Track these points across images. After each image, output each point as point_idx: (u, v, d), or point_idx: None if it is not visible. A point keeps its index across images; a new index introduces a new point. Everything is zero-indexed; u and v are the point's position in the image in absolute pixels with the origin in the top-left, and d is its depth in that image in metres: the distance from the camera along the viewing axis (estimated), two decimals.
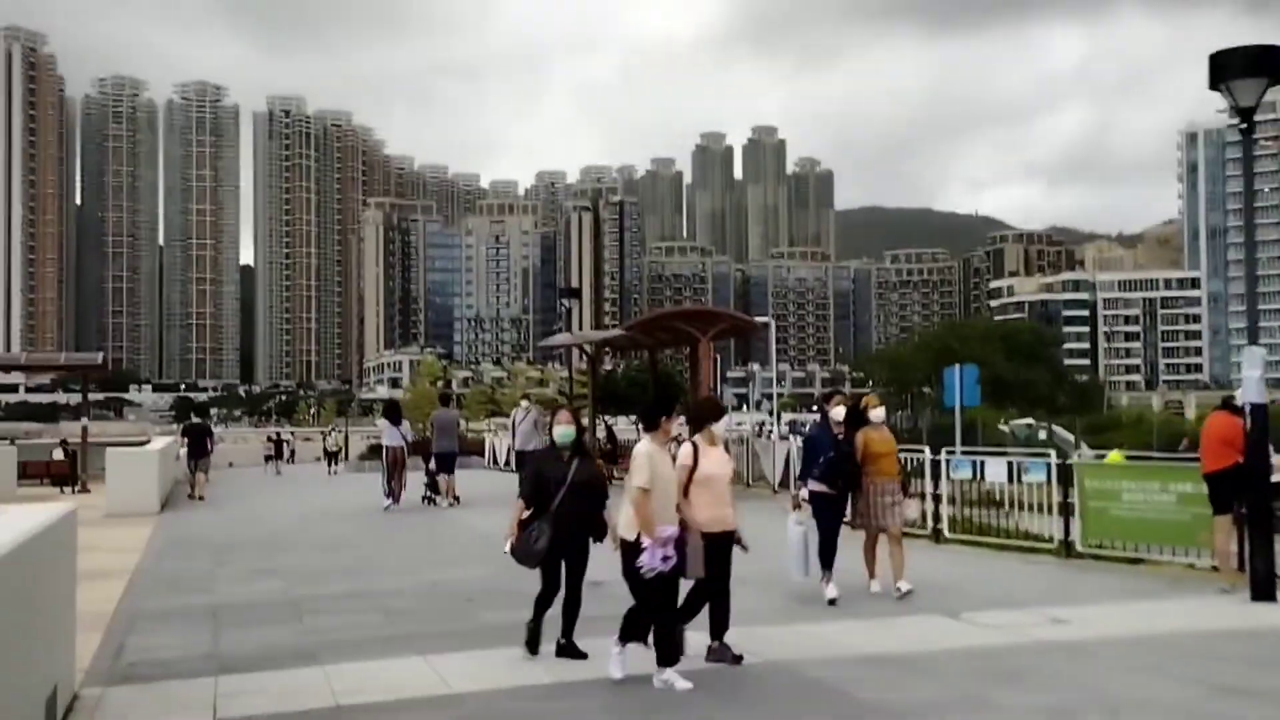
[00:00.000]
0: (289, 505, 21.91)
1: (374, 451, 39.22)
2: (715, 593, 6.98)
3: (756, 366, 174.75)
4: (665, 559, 6.35)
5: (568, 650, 7.05)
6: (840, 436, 9.20)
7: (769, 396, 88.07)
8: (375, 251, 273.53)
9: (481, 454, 41.26)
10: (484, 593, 9.78)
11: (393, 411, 20.74)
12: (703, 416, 7.30)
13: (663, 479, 6.54)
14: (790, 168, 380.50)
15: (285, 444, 47.50)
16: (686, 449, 6.99)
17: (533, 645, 7.12)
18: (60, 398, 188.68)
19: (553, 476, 7.07)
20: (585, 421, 26.50)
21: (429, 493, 19.32)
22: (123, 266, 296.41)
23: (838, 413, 9.26)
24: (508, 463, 32.29)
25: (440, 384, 52.43)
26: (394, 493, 18.65)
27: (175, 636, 8.31)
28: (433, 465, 19.55)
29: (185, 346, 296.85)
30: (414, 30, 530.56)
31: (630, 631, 6.59)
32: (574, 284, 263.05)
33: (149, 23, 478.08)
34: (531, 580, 10.67)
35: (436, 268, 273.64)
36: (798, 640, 7.62)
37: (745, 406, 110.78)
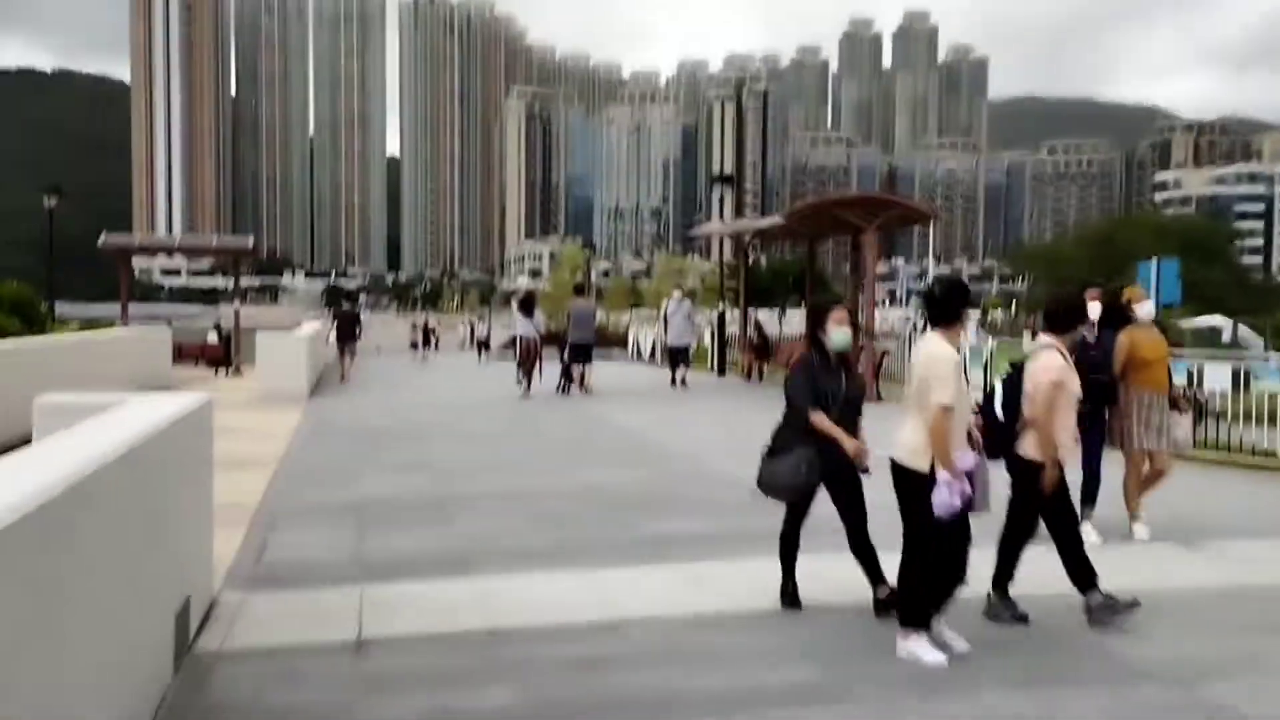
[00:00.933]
0: (435, 393, 21.67)
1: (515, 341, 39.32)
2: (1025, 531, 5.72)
3: (901, 261, 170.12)
4: (963, 495, 4.97)
5: (885, 605, 5.51)
6: (1092, 339, 7.48)
7: (917, 294, 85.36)
8: (517, 141, 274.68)
9: (624, 346, 40.73)
10: (642, 499, 9.03)
11: (526, 302, 20.79)
12: (1069, 316, 5.77)
13: (963, 394, 5.12)
14: (942, 55, 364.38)
15: (432, 332, 47.82)
16: (1054, 359, 5.56)
17: (794, 600, 5.80)
18: (219, 282, 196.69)
19: (828, 389, 5.58)
20: (735, 316, 25.56)
21: (563, 382, 19.46)
22: (275, 156, 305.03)
23: (1093, 309, 7.51)
24: (652, 355, 31.65)
25: (580, 274, 51.89)
26: (527, 382, 18.81)
27: (320, 535, 7.78)
28: (567, 355, 19.67)
29: (335, 235, 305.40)
30: None
31: (913, 603, 5.09)
32: (716, 174, 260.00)
33: None
34: (690, 485, 9.61)
35: (577, 158, 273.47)
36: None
37: (889, 303, 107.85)
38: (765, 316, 29.79)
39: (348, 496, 9.20)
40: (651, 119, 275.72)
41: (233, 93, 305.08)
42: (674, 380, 19.81)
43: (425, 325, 47.47)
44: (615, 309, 54.95)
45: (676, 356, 20.21)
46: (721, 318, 24.30)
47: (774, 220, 22.05)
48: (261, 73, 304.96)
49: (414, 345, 44.92)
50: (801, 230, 20.89)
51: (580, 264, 54.37)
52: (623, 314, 55.55)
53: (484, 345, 39.52)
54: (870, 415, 5.86)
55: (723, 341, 24.15)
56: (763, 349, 22.26)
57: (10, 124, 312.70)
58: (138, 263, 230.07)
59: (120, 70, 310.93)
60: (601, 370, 27.21)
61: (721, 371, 23.68)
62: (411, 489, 9.59)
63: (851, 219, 17.02)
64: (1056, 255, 73.18)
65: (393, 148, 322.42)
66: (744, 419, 15.61)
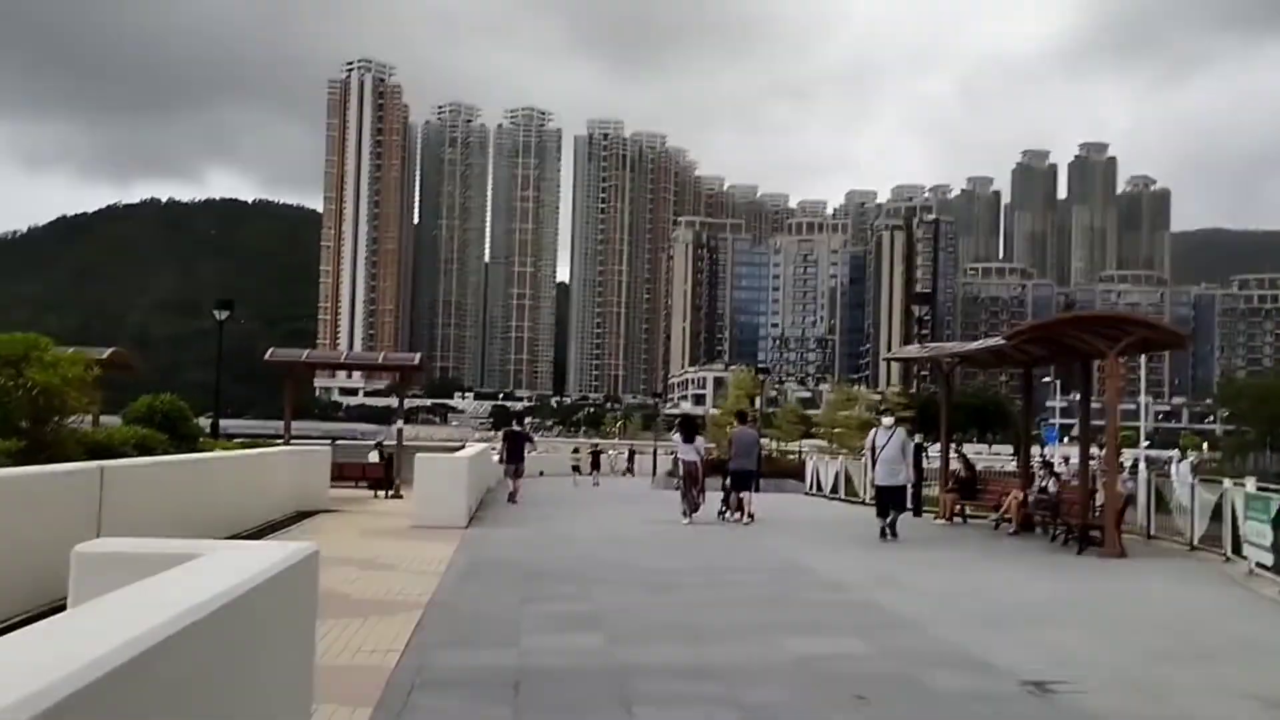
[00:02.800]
0: (600, 524, 19.95)
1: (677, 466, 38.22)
2: None
3: (1074, 396, 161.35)
4: None
5: None
6: None
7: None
8: (684, 269, 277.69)
9: (798, 477, 38.39)
10: (875, 684, 6.90)
11: (688, 427, 21.10)
12: None
13: None
14: (1121, 187, 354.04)
15: (601, 455, 46.83)
16: None
17: None
18: (394, 402, 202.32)
19: None
20: (923, 442, 23.16)
21: (724, 509, 19.65)
22: (452, 281, 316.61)
23: None
24: (834, 490, 29.27)
25: (753, 399, 50.03)
26: (691, 507, 19.11)
27: None
28: (729, 482, 19.93)
29: (504, 358, 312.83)
30: (752, 53, 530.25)
31: None
32: (883, 306, 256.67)
33: (492, 49, 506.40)
34: (937, 670, 7.51)
35: (743, 285, 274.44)
36: None
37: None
38: (970, 451, 27.17)
39: (502, 661, 7.38)
40: (819, 248, 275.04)
41: (415, 220, 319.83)
42: (884, 531, 16.47)
43: (595, 450, 46.63)
44: (786, 437, 52.64)
45: (887, 499, 16.81)
46: (919, 450, 21.85)
47: (989, 343, 19.75)
48: (443, 202, 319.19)
49: (576, 469, 44.25)
50: (1015, 355, 18.52)
51: (753, 388, 52.43)
52: (793, 443, 53.20)
53: (629, 469, 39.75)
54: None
55: (920, 477, 21.65)
56: (969, 486, 19.77)
57: (214, 250, 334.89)
58: (318, 382, 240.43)
59: (314, 200, 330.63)
60: (778, 504, 25.17)
61: (918, 512, 21.16)
62: (579, 655, 7.71)
63: (1087, 342, 14.68)
64: (1270, 391, 67.39)
65: (562, 274, 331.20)
66: (966, 573, 13.24)
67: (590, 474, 42.67)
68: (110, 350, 22.15)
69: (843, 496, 28.14)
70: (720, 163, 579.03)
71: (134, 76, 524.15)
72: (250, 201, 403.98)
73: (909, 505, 19.22)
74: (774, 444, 48.22)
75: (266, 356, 22.32)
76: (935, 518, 20.61)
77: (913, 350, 27.62)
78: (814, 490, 31.41)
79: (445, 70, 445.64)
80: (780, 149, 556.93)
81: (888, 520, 16.56)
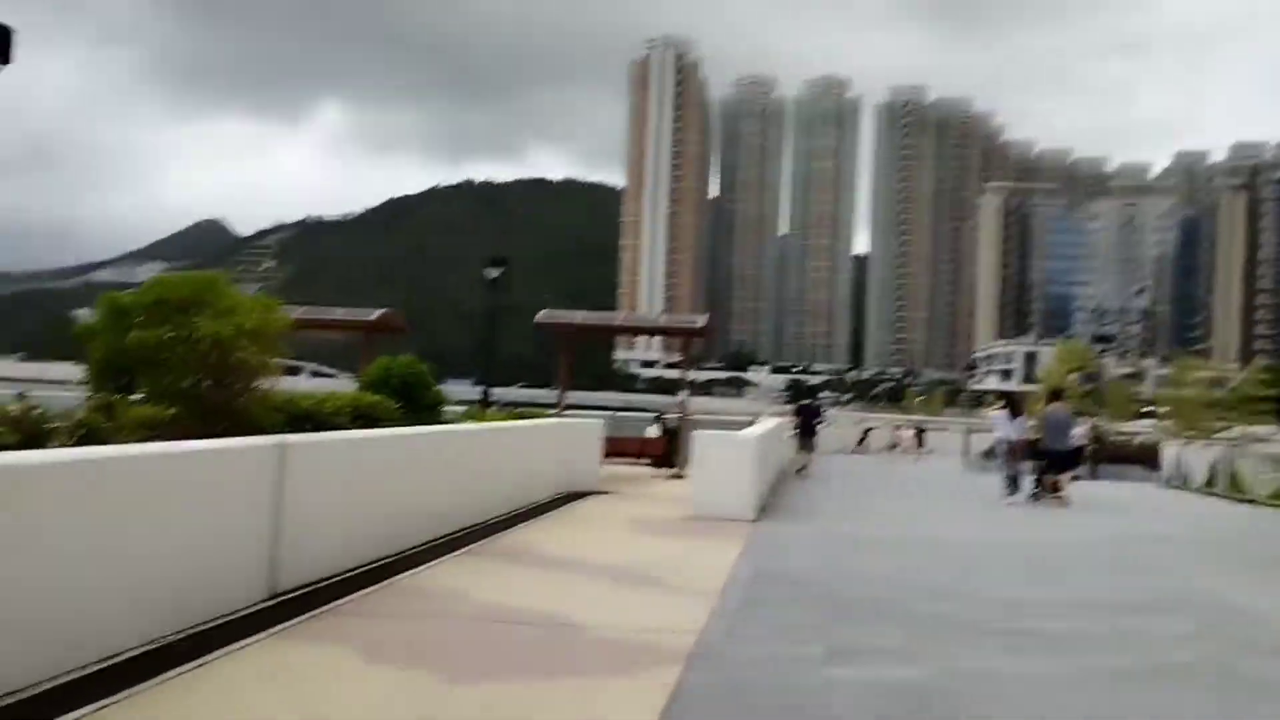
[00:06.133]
0: (915, 518, 16.48)
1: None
2: None
3: None
4: None
5: None
6: None
7: None
8: (991, 238, 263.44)
9: (1138, 461, 33.03)
10: None
11: (1012, 404, 20.86)
12: None
13: None
14: None
15: (923, 433, 43.50)
16: None
17: None
18: (692, 375, 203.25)
19: None
20: None
21: (1038, 490, 19.46)
22: (747, 256, 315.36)
23: None
24: (1210, 484, 24.24)
25: (1078, 374, 44.29)
26: (1013, 488, 19.24)
27: None
28: (1043, 464, 19.68)
29: (800, 331, 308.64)
30: (1081, 10, 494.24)
31: None
32: (1220, 273, 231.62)
33: (791, 21, 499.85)
34: None
35: (1055, 254, 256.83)
36: None
37: None
38: None
39: None
40: (1143, 213, 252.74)
41: (713, 195, 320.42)
42: None
43: (918, 428, 43.75)
44: (1119, 417, 46.34)
45: None
46: None
47: None
48: (740, 176, 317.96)
49: (893, 446, 42.11)
50: None
51: (1081, 362, 46.48)
52: (1124, 424, 46.79)
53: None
54: None
55: None
56: None
57: (525, 228, 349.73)
58: (617, 354, 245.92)
59: (616, 177, 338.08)
60: (1129, 499, 21.29)
61: None
62: None
63: None
64: None
65: (860, 246, 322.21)
66: None
67: (905, 450, 40.72)
68: (380, 312, 20.83)
69: (1221, 492, 23.10)
70: (1031, 126, 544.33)
71: (470, 65, 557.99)
72: (557, 180, 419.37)
73: None
74: (1098, 426, 42.38)
75: (537, 319, 20.41)
76: None
77: None
78: (1168, 484, 26.31)
79: (743, 44, 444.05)
80: (1100, 110, 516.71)
81: None
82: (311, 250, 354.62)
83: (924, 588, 9.53)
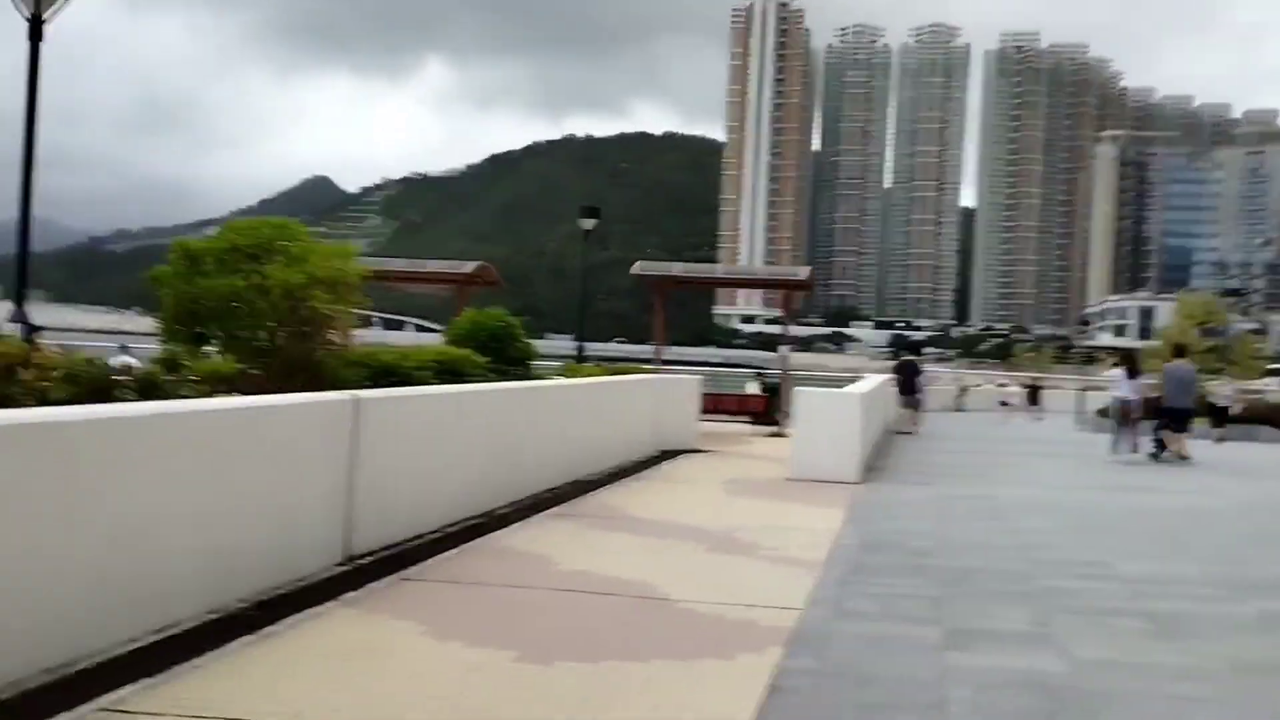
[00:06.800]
0: (1033, 479, 15.60)
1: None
2: None
3: None
4: None
5: None
6: None
7: None
8: (1106, 189, 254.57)
9: (1267, 421, 31.34)
10: None
11: (1131, 362, 20.45)
12: None
13: None
14: None
15: (1039, 390, 42.15)
16: None
17: None
18: (793, 330, 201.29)
19: None
20: None
21: (1156, 449, 18.96)
22: (850, 208, 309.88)
23: None
24: None
25: (1203, 328, 42.18)
26: (1126, 445, 18.95)
27: None
28: (1162, 421, 19.21)
29: (903, 286, 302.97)
30: None
31: None
32: None
33: None
34: None
35: (1175, 205, 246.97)
36: None
37: None
38: None
39: None
40: (1269, 162, 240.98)
41: (815, 147, 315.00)
42: None
43: (1033, 384, 42.52)
44: (1247, 375, 44.06)
45: None
46: None
47: None
48: (843, 127, 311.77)
49: (1004, 404, 41.11)
50: None
51: (1206, 316, 44.23)
52: (1251, 381, 44.45)
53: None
54: None
55: None
56: None
57: (624, 183, 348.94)
58: (718, 309, 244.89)
59: (717, 130, 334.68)
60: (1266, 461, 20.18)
61: None
62: None
63: None
64: None
65: (967, 198, 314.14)
66: None
67: (1021, 407, 39.85)
68: (474, 264, 20.49)
69: None
70: (1150, 74, 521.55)
71: (574, 18, 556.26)
72: (659, 134, 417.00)
73: None
74: (1214, 383, 40.33)
75: (633, 270, 19.83)
76: None
77: None
78: None
79: None
80: (1224, 57, 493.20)
81: None
82: (416, 206, 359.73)
83: (1045, 560, 8.75)
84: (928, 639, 5.97)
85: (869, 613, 6.60)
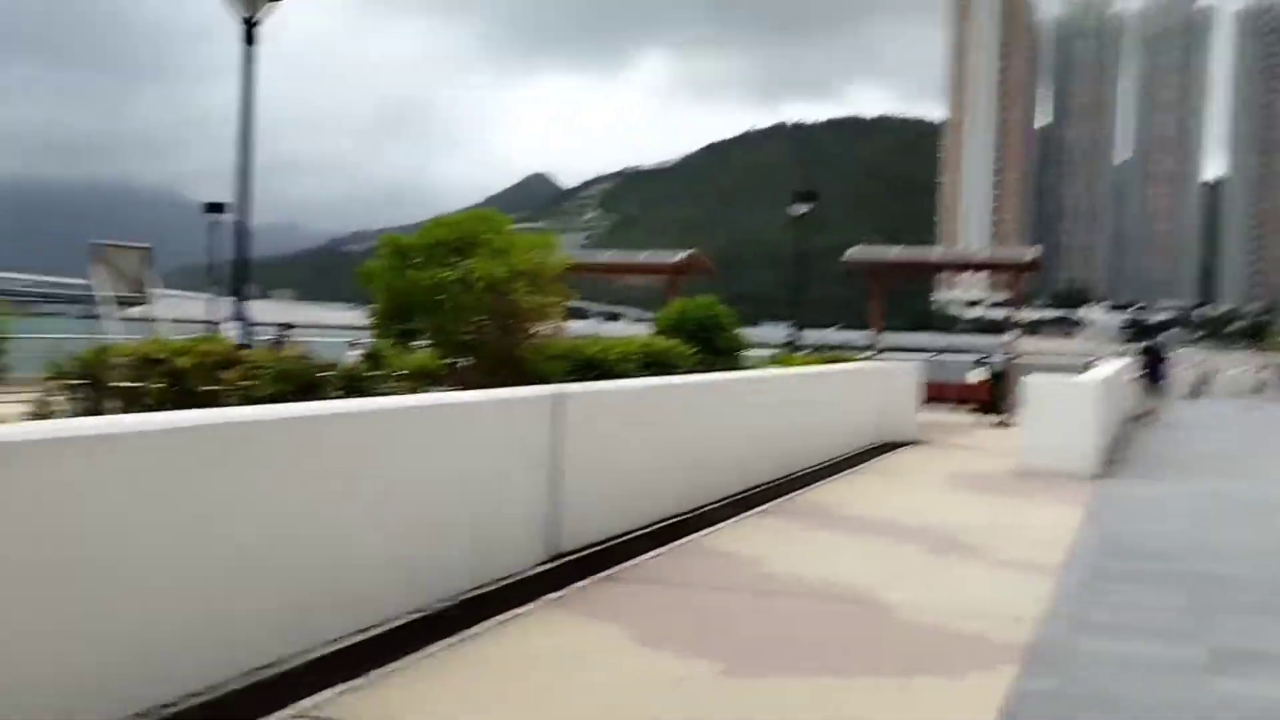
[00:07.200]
0: None
1: None
2: None
3: None
4: None
5: None
6: None
7: None
8: None
9: None
10: None
11: None
12: None
13: None
14: None
15: None
16: None
17: None
18: (1022, 315, 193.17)
19: None
20: None
21: None
22: (1079, 185, 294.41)
23: None
24: None
25: None
26: None
27: None
28: None
29: (1139, 266, 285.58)
30: None
31: None
32: None
33: None
34: None
35: None
36: None
37: None
38: None
39: None
40: None
41: (1041, 123, 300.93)
42: None
43: None
44: None
45: None
46: None
47: None
48: (1071, 101, 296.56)
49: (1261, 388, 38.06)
50: None
51: None
52: None
53: None
54: None
55: None
56: None
57: (837, 167, 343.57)
58: (937, 295, 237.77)
59: (933, 111, 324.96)
60: None
61: None
62: None
63: None
64: None
65: (1209, 170, 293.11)
66: None
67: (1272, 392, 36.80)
68: (685, 253, 20.29)
69: None
70: None
71: (790, 3, 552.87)
72: (871, 118, 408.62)
73: None
74: None
75: (846, 256, 19.16)
76: None
77: None
78: None
79: None
80: None
81: None
82: (631, 199, 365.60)
83: None
84: (1188, 660, 5.27)
85: (1116, 627, 5.91)
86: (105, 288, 21.52)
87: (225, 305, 18.38)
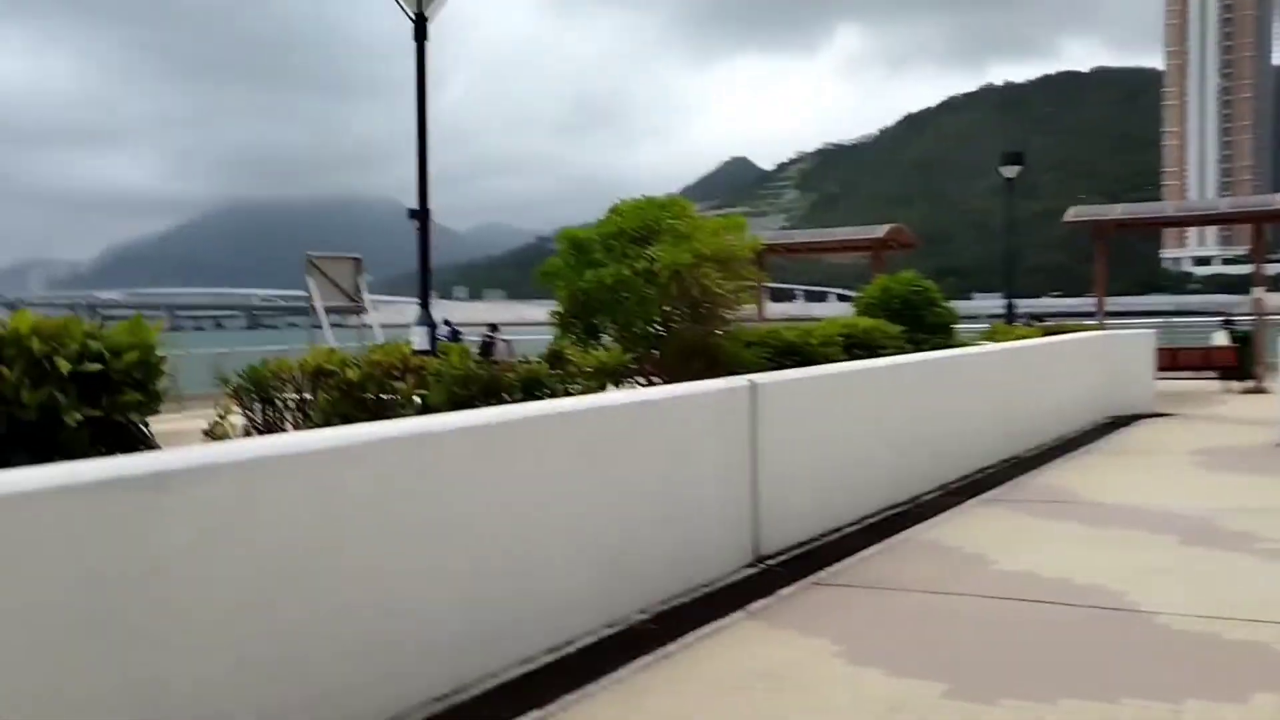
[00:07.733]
0: None
1: None
2: None
3: None
4: None
5: None
6: None
7: None
8: None
9: None
10: None
11: None
12: None
13: None
14: None
15: None
16: None
17: None
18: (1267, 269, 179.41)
19: None
20: None
21: None
22: None
23: None
24: None
25: None
26: None
27: None
28: None
29: None
30: None
31: None
32: None
33: None
34: None
35: None
36: None
37: None
38: None
39: None
40: None
41: (1275, 62, 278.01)
42: None
43: None
44: None
45: None
46: None
47: None
48: None
49: None
50: None
51: None
52: None
53: None
54: None
55: None
56: None
57: (1048, 128, 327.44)
58: (1165, 253, 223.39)
59: (1154, 59, 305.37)
60: None
61: None
62: None
63: None
64: None
65: None
66: None
67: None
68: (887, 227, 19.37)
69: None
70: None
71: None
72: (1086, 71, 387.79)
73: None
74: None
75: (1066, 217, 17.77)
76: None
77: None
78: None
79: None
80: None
81: None
82: (830, 177, 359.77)
83: None
84: None
85: None
86: (320, 298, 22.39)
87: (437, 309, 18.70)
